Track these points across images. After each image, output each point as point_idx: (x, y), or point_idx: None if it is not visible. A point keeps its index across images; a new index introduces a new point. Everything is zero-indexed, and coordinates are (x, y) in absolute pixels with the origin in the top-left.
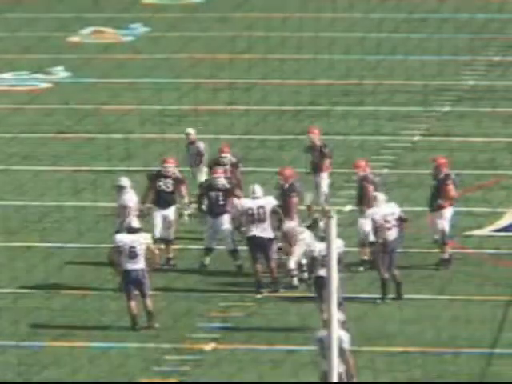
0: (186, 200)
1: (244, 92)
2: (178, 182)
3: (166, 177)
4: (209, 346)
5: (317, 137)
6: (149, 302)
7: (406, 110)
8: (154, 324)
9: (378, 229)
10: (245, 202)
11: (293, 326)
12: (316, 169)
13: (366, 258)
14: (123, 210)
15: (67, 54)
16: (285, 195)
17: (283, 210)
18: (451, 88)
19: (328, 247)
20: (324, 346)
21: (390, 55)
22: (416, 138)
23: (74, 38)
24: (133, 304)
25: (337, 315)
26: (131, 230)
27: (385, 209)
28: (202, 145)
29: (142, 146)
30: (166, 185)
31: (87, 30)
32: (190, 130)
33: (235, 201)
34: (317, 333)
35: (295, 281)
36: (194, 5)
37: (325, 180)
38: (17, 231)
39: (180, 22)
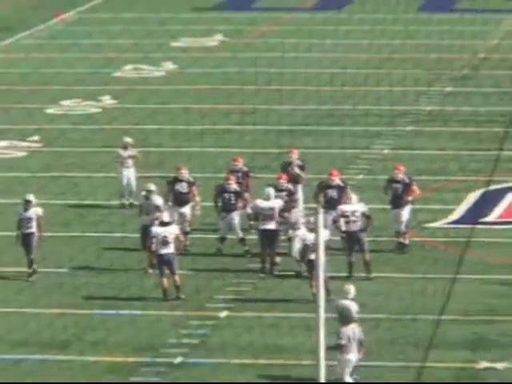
0: (198, 199)
1: (250, 114)
2: (190, 184)
3: (182, 181)
4: (223, 313)
5: (295, 156)
6: (177, 278)
7: (376, 129)
8: (180, 295)
9: (346, 220)
10: (259, 203)
11: (289, 297)
12: (294, 180)
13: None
14: (154, 209)
15: (113, 86)
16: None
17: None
18: (412, 112)
19: (317, 236)
20: (343, 313)
21: (363, 86)
22: (385, 151)
23: (118, 73)
24: (164, 280)
25: (351, 289)
26: (163, 224)
27: (354, 205)
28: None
29: (172, 156)
30: (182, 187)
31: (128, 67)
32: (129, 139)
33: (254, 202)
34: (336, 302)
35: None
36: (212, 47)
37: (301, 190)
38: (71, 223)
39: (201, 60)
